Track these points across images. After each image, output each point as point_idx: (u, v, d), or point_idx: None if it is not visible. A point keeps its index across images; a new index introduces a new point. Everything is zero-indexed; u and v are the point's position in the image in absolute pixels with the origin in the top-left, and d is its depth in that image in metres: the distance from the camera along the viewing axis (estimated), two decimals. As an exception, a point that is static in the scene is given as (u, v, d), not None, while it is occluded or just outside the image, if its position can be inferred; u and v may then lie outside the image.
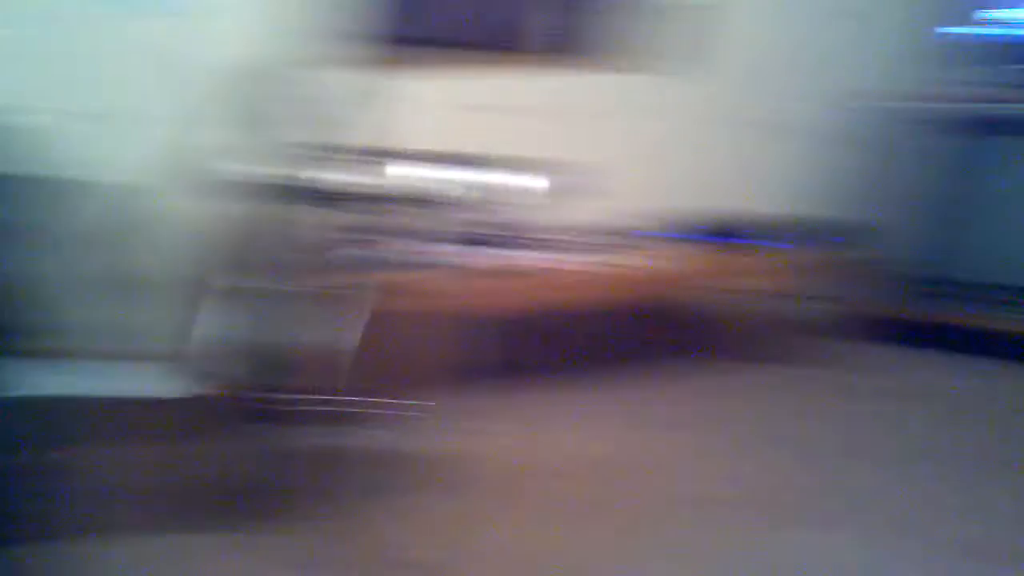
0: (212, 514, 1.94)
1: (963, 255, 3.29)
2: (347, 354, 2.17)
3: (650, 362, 3.19)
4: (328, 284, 2.22)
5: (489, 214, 2.56)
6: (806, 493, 2.25)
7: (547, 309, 2.78)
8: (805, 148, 3.51)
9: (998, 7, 3.31)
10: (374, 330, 2.25)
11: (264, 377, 2.14)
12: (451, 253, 2.55)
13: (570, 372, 3.04)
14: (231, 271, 2.19)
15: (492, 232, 2.60)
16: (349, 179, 2.23)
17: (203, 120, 2.25)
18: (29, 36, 2.27)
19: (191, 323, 2.17)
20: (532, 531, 1.97)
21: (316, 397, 2.16)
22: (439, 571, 1.79)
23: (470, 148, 2.54)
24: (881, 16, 3.56)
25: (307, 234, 2.19)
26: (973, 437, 2.72)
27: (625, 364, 3.15)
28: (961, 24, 3.40)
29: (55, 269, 2.27)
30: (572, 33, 3.12)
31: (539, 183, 2.62)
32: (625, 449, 2.49)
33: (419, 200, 2.41)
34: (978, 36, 3.35)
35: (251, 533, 1.88)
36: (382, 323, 2.26)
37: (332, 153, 2.23)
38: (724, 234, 3.08)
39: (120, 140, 2.36)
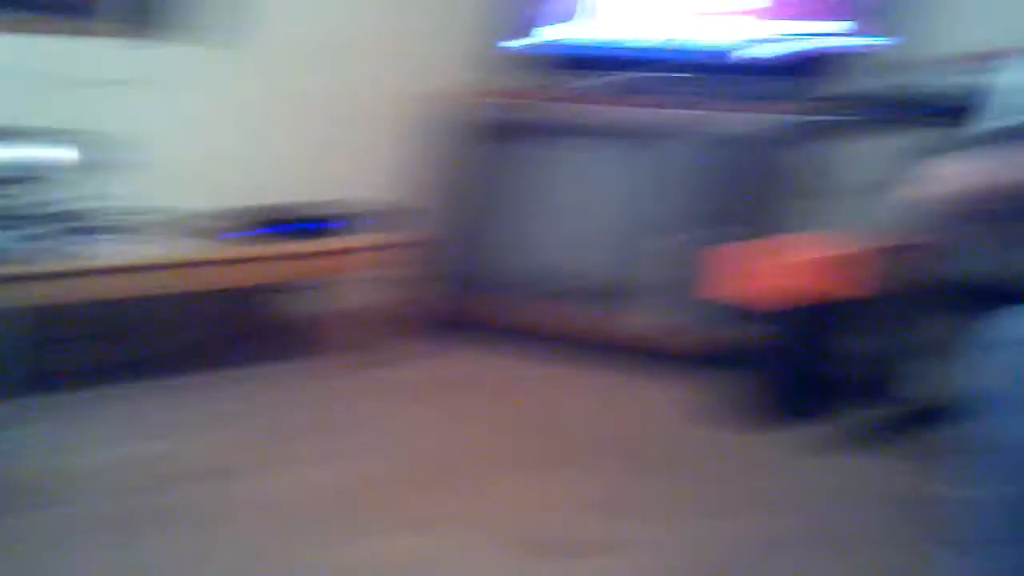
0: None
1: (511, 252, 3.37)
2: None
3: (210, 359, 3.04)
4: None
5: (21, 192, 2.31)
6: (374, 494, 2.23)
7: (96, 300, 2.55)
8: (365, 137, 3.42)
9: (550, 23, 3.52)
10: None
11: None
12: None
13: (121, 372, 2.82)
14: None
15: (25, 213, 2.35)
16: None
17: None
18: None
19: None
20: (71, 547, 1.86)
21: None
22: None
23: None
24: (444, 22, 3.59)
25: None
26: (535, 431, 2.71)
27: (181, 362, 2.98)
28: (520, 36, 3.54)
29: None
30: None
31: (72, 158, 2.38)
32: (183, 454, 2.38)
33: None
34: (535, 48, 3.52)
35: None
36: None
37: None
38: (281, 222, 2.91)
39: None
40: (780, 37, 3.20)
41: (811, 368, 2.87)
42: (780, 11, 3.24)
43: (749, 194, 3.09)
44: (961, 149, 1.65)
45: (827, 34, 3.15)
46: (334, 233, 3.00)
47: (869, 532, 2.17)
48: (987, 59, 2.52)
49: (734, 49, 3.26)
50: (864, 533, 2.17)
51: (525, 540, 2.05)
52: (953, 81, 2.60)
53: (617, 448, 2.63)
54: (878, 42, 3.08)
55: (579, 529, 2.12)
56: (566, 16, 3.52)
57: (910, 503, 2.28)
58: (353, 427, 2.67)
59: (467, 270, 3.48)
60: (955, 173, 1.61)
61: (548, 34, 3.54)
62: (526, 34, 3.58)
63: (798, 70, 3.16)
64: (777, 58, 3.19)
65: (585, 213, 3.32)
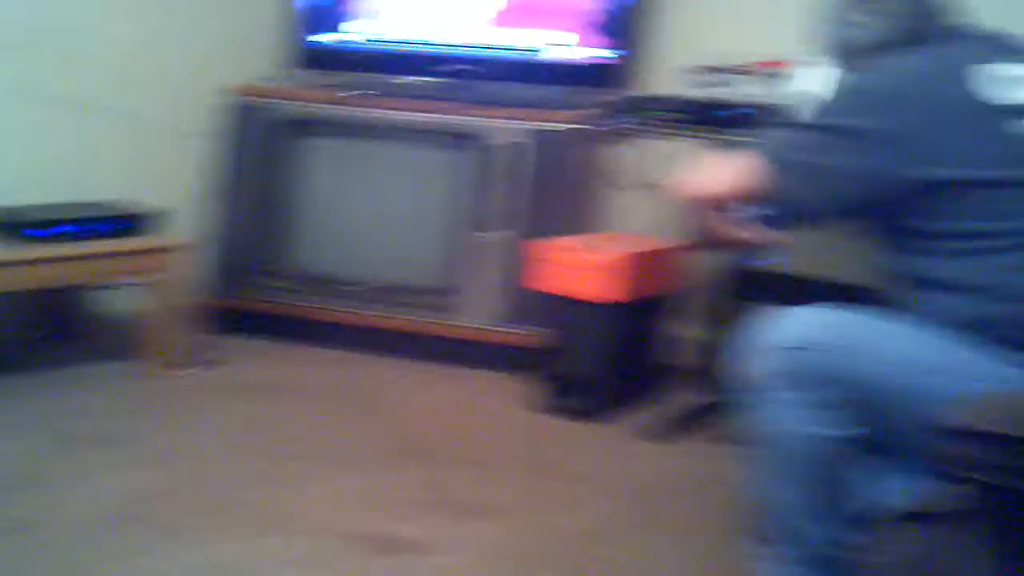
0: None
1: (299, 246, 3.41)
2: None
3: (9, 364, 2.90)
4: None
5: None
6: (192, 503, 2.17)
7: None
8: (133, 134, 3.31)
9: (355, 18, 3.50)
10: None
11: None
12: None
13: None
14: None
15: None
16: None
17: None
18: None
19: None
20: None
21: None
22: None
23: None
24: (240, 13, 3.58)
25: None
26: (363, 429, 2.69)
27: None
28: (323, 31, 3.53)
29: None
30: None
31: None
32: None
33: None
34: (336, 44, 3.52)
35: None
36: None
37: None
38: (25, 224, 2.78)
39: None
40: (556, 44, 3.30)
41: (634, 357, 2.97)
42: (521, 19, 3.35)
43: (550, 193, 3.17)
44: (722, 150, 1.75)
45: (581, 45, 3.28)
46: (121, 234, 2.89)
47: (690, 520, 2.25)
48: (770, 68, 2.73)
49: (520, 54, 3.34)
50: (685, 521, 2.24)
51: (359, 538, 2.03)
52: (740, 89, 2.78)
53: (448, 443, 2.64)
54: (615, 53, 3.24)
55: (414, 526, 2.11)
56: (368, 14, 3.50)
57: (728, 490, 2.35)
58: (169, 429, 2.59)
59: (247, 266, 3.39)
60: (707, 173, 1.70)
61: (347, 31, 3.51)
62: (321, 30, 3.53)
63: (582, 77, 3.28)
64: (568, 64, 3.29)
65: (385, 212, 3.32)
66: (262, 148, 3.38)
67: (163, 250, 2.95)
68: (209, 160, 3.45)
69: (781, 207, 1.62)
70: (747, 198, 1.63)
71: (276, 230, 3.40)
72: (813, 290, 2.69)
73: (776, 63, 2.70)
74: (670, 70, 3.05)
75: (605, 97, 3.15)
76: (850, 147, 1.58)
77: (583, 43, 3.28)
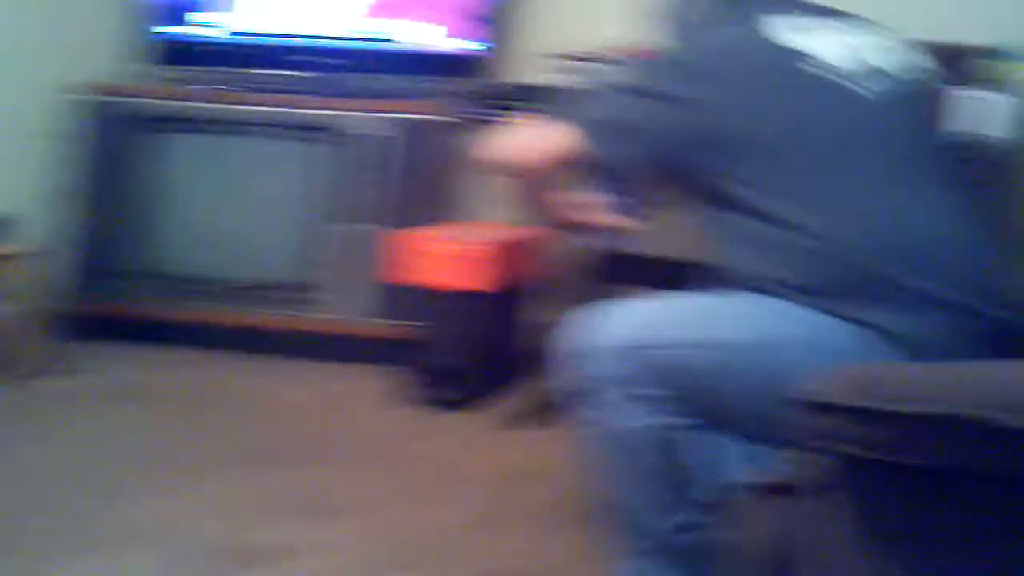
0: None
1: (157, 246, 3.32)
2: None
3: None
4: None
5: None
6: (49, 523, 2.07)
7: None
8: None
9: (207, 10, 3.45)
10: None
11: None
12: None
13: None
14: None
15: None
16: None
17: None
18: None
19: None
20: None
21: None
22: None
23: None
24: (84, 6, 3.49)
25: None
26: (223, 433, 2.62)
27: None
28: (174, 23, 3.47)
29: None
30: None
31: None
32: None
33: None
34: (188, 37, 3.46)
35: None
36: None
37: None
38: None
39: None
40: (416, 34, 3.31)
41: (502, 346, 2.98)
42: (386, 9, 3.35)
43: (414, 184, 3.18)
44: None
45: (450, 35, 3.29)
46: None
47: (561, 507, 2.23)
48: (633, 56, 2.76)
49: (373, 43, 3.34)
50: (557, 508, 2.24)
51: (224, 550, 1.98)
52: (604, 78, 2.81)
53: (316, 442, 2.60)
54: (480, 43, 3.27)
55: (284, 531, 2.07)
56: (223, 5, 3.46)
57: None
58: (24, 444, 2.47)
59: (97, 268, 3.30)
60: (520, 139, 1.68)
61: (201, 24, 3.45)
62: (172, 22, 3.47)
63: (447, 67, 3.28)
64: (433, 54, 3.29)
65: (248, 208, 3.26)
66: (115, 146, 3.29)
67: (15, 256, 2.86)
68: (59, 161, 3.34)
69: (599, 168, 1.62)
70: (564, 165, 1.61)
71: (134, 231, 3.30)
72: (673, 271, 2.75)
73: (639, 51, 2.72)
74: (535, 59, 3.06)
75: (470, 87, 3.15)
76: (657, 107, 1.57)
77: (448, 33, 3.28)
